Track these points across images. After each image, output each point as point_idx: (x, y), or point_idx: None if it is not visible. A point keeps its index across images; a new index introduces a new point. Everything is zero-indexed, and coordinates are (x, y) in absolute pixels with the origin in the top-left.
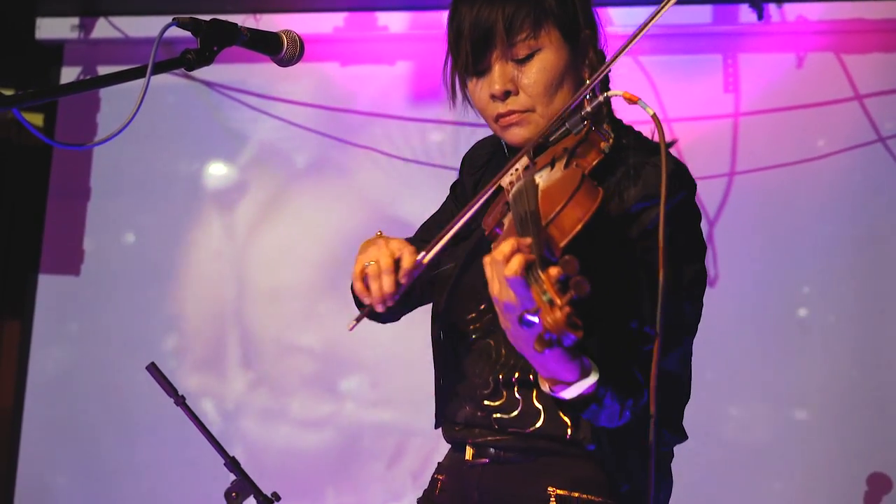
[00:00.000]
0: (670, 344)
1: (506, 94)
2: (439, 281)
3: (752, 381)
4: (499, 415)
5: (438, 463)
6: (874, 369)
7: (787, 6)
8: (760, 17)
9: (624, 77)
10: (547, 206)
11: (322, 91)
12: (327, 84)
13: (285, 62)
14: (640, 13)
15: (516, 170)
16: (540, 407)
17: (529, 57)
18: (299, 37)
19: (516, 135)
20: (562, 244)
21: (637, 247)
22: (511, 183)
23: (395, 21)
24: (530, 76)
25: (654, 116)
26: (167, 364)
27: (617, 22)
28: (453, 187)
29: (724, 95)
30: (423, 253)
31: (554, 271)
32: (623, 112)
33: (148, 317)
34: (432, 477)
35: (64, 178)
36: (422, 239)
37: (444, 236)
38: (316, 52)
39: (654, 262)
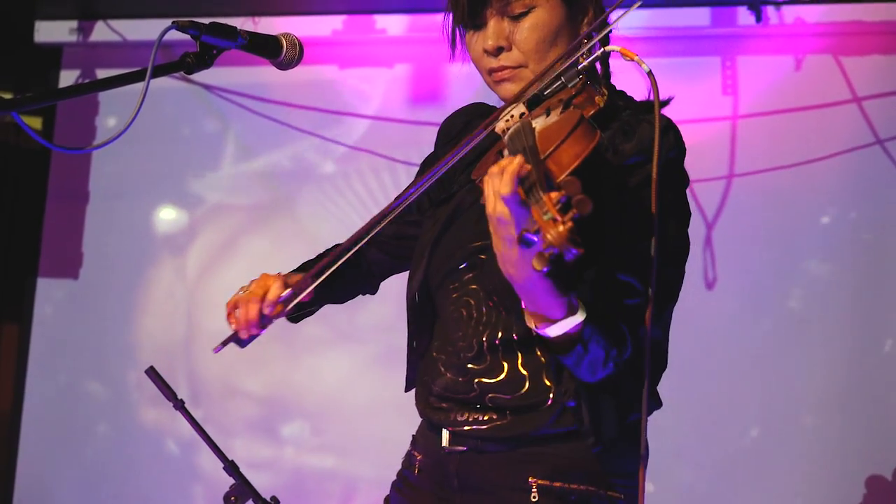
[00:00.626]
0: (661, 307)
1: (498, 50)
2: (419, 244)
3: (750, 382)
4: (482, 379)
5: (413, 436)
6: (873, 371)
7: (785, 8)
8: (759, 19)
9: (622, 79)
10: (545, 143)
11: (320, 94)
12: (325, 87)
13: (284, 65)
14: (639, 16)
15: (511, 116)
16: (525, 373)
17: (524, 14)
18: (298, 40)
19: (508, 90)
20: (560, 178)
21: (629, 200)
22: (504, 129)
23: (393, 24)
24: (523, 33)
25: (650, 73)
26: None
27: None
28: (426, 160)
29: (723, 98)
30: (287, 292)
31: (555, 194)
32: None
33: (147, 320)
34: (408, 452)
35: (63, 182)
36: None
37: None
38: (314, 54)
39: (646, 216)
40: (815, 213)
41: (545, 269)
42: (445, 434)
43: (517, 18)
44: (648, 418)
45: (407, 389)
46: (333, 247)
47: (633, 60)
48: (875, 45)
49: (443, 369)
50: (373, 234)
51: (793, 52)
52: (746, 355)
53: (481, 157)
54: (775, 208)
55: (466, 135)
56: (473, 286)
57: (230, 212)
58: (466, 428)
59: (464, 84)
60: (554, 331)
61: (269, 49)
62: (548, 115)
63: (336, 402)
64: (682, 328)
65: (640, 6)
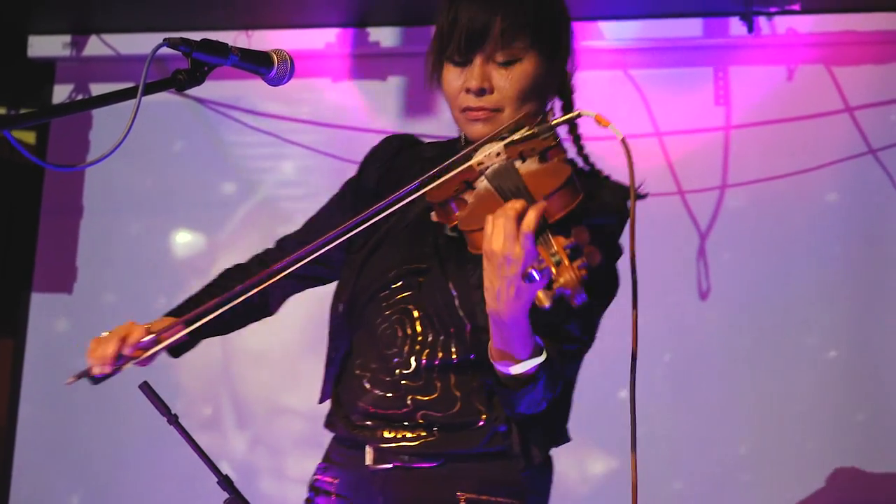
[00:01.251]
0: (584, 352)
1: (481, 91)
2: (348, 262)
3: (744, 392)
4: (416, 396)
5: (325, 460)
6: (869, 382)
7: (777, 19)
8: (751, 29)
9: (615, 90)
10: (535, 188)
11: (313, 107)
12: (319, 100)
13: (275, 81)
14: (631, 27)
15: (488, 154)
16: (458, 394)
17: (510, 63)
18: (289, 56)
19: (479, 130)
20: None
21: None
22: (480, 163)
23: (386, 36)
24: (507, 80)
25: (623, 141)
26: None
27: (608, 36)
28: (349, 183)
29: (715, 108)
30: (150, 337)
31: (562, 238)
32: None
33: None
34: (316, 479)
35: (56, 196)
36: (301, 241)
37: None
38: (308, 67)
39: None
40: (808, 222)
41: (547, 307)
42: (369, 451)
43: (503, 65)
44: (552, 451)
45: (321, 401)
46: (219, 278)
47: (606, 127)
48: (867, 55)
49: (368, 386)
50: (275, 279)
51: (785, 63)
52: (740, 365)
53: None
54: (768, 218)
55: (396, 172)
56: (409, 306)
57: (224, 225)
58: (394, 445)
59: None
60: (516, 369)
61: (260, 65)
62: (523, 160)
63: None
64: (677, 338)
65: (633, 17)
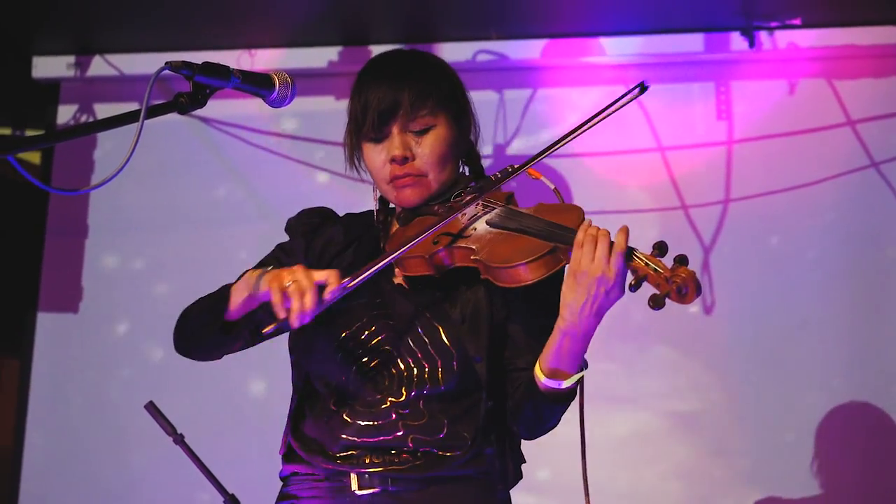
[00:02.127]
0: None
1: (404, 160)
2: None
3: (748, 406)
4: (408, 422)
5: (283, 498)
6: (873, 394)
7: (778, 33)
8: (752, 44)
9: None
10: (565, 222)
11: (317, 125)
12: (322, 118)
13: (276, 103)
14: (633, 42)
15: (466, 214)
16: (445, 420)
17: (425, 130)
18: (291, 77)
19: (409, 195)
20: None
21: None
22: (464, 214)
23: None
24: (426, 146)
25: (556, 191)
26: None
27: (610, 52)
28: (281, 246)
29: (718, 123)
30: (348, 279)
31: (641, 252)
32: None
33: (147, 353)
34: None
35: (62, 216)
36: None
37: (373, 267)
38: (311, 86)
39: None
40: (811, 236)
41: (657, 309)
42: (354, 478)
43: (419, 134)
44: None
45: (283, 451)
46: None
47: (539, 180)
48: (868, 68)
49: (349, 419)
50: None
51: (787, 77)
52: (745, 378)
53: (362, 245)
54: (771, 232)
55: (319, 241)
56: (387, 347)
57: (229, 243)
58: (380, 469)
59: None
60: (567, 383)
61: (262, 87)
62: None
63: None
64: (682, 352)
65: (635, 33)
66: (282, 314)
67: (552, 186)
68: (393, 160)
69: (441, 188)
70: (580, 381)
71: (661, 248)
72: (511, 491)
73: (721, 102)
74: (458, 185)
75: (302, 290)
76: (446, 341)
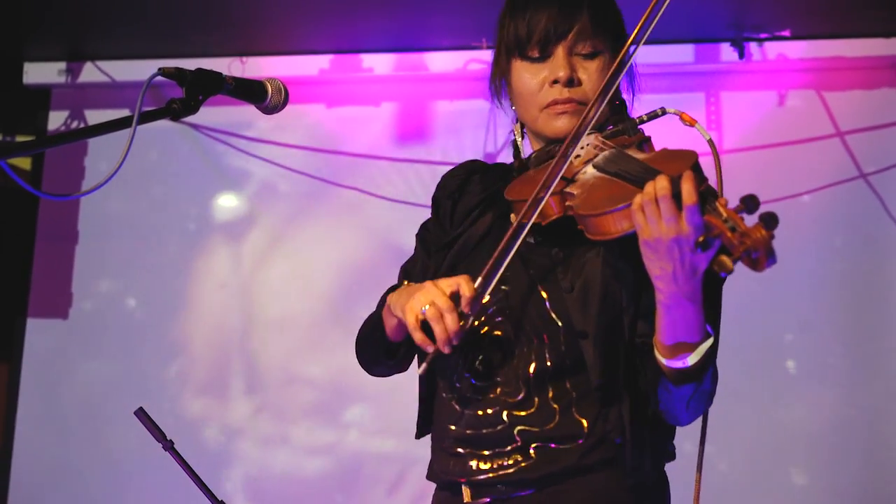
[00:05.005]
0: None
1: (570, 82)
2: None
3: (738, 417)
4: (513, 412)
5: None
6: (862, 408)
7: (767, 45)
8: (742, 55)
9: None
10: (664, 168)
11: (308, 133)
12: (313, 126)
13: (270, 110)
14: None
15: (587, 145)
16: (556, 407)
17: (593, 55)
18: (283, 85)
19: (566, 123)
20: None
21: None
22: (577, 156)
23: (379, 63)
24: (592, 73)
25: (710, 142)
26: (169, 390)
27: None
28: (425, 226)
29: (707, 133)
30: (479, 279)
31: (723, 200)
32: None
33: (137, 360)
34: None
35: (51, 222)
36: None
37: (501, 260)
38: (302, 94)
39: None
40: (799, 246)
41: (731, 272)
42: (466, 490)
43: (587, 57)
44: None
45: (418, 436)
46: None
47: (693, 126)
48: (857, 80)
49: (458, 407)
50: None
51: (776, 88)
52: (736, 387)
53: (498, 197)
54: None
55: (470, 197)
56: (498, 318)
57: (219, 250)
58: (491, 475)
59: (449, 122)
60: (693, 357)
61: (255, 94)
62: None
63: (397, 386)
64: None
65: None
66: (429, 349)
67: (707, 136)
68: (556, 81)
69: (598, 122)
70: (711, 352)
71: (749, 203)
72: None
73: (711, 113)
74: (607, 121)
75: (440, 313)
76: (552, 313)
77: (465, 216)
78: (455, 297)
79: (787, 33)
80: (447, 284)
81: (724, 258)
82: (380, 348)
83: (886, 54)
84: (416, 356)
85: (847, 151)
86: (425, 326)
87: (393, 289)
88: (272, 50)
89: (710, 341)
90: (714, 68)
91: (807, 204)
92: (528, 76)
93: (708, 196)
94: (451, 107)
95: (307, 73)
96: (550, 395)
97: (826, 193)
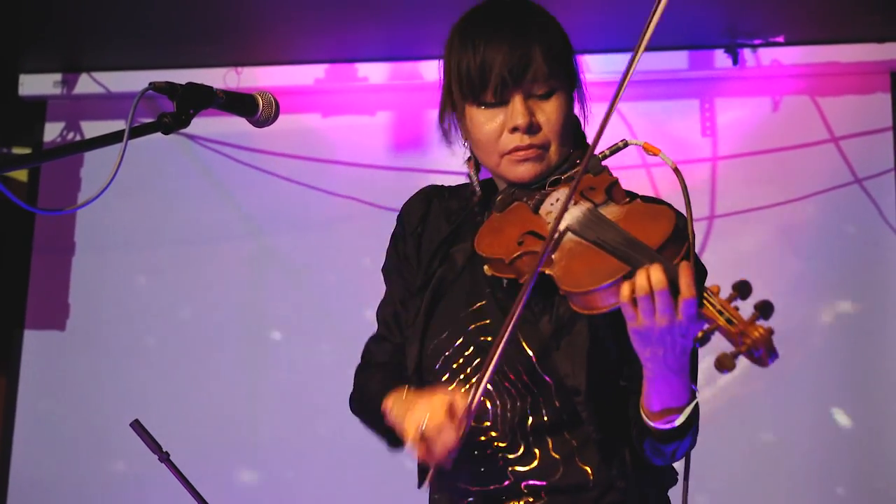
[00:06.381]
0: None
1: (530, 128)
2: (408, 332)
3: (731, 427)
4: (516, 467)
5: None
6: (860, 411)
7: (762, 51)
8: (736, 61)
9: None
10: (644, 236)
11: (304, 142)
12: (309, 135)
13: (261, 123)
14: (619, 60)
15: (557, 200)
16: (557, 457)
17: (549, 95)
18: (274, 98)
19: (528, 170)
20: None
21: None
22: (548, 212)
23: (374, 72)
24: (550, 114)
25: (676, 169)
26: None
27: (594, 69)
28: (387, 270)
29: (702, 139)
30: (472, 391)
31: (715, 289)
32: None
33: (134, 371)
34: None
35: (48, 233)
36: (390, 339)
37: (489, 363)
38: (297, 103)
39: None
40: (795, 252)
41: (723, 372)
42: None
43: (542, 98)
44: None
45: (419, 485)
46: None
47: (656, 156)
48: (851, 85)
49: (462, 462)
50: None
51: (770, 94)
52: (731, 397)
53: (463, 231)
54: (756, 248)
55: (429, 235)
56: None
57: (216, 261)
58: None
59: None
60: (681, 419)
61: (246, 108)
62: (596, 205)
63: None
64: None
65: (619, 51)
66: (432, 462)
67: (671, 164)
68: (516, 129)
69: (560, 161)
70: (696, 409)
71: (742, 290)
72: None
73: (705, 119)
74: (569, 159)
75: (438, 431)
76: (539, 370)
77: (432, 254)
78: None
79: (780, 39)
80: (442, 401)
81: (726, 357)
82: (387, 435)
83: (880, 59)
84: None
85: (842, 157)
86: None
87: (375, 339)
88: (267, 60)
89: (695, 401)
90: (708, 75)
91: (802, 210)
92: (485, 121)
93: (700, 284)
94: None
95: (302, 83)
96: (550, 445)
97: (821, 199)
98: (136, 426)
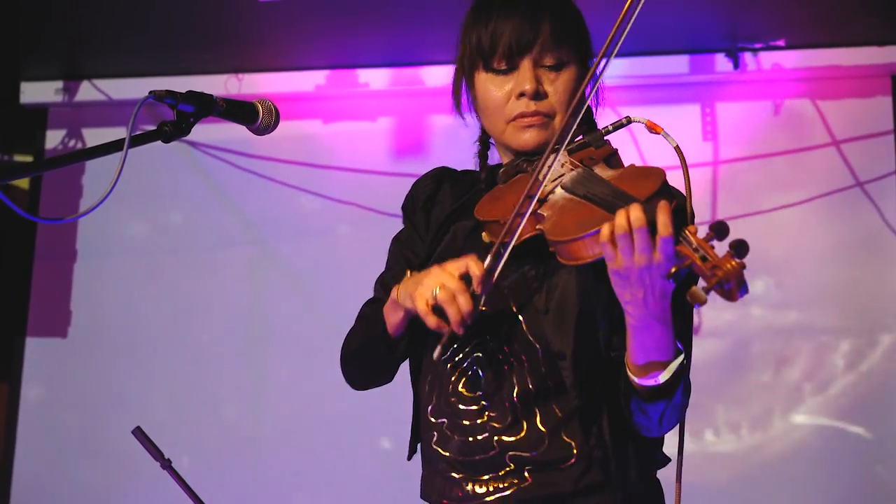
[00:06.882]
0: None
1: (536, 95)
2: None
3: (730, 432)
4: (502, 437)
5: None
6: (861, 418)
7: (762, 55)
8: (737, 65)
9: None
10: (633, 190)
11: (305, 148)
12: (310, 141)
13: (261, 131)
14: (619, 64)
15: (549, 165)
16: (544, 430)
17: (558, 66)
18: (274, 105)
19: (533, 136)
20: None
21: None
22: (544, 175)
23: (375, 78)
24: (558, 84)
25: (677, 148)
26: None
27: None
28: (398, 238)
29: (703, 143)
30: (487, 258)
31: (693, 228)
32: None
33: (136, 378)
34: None
35: (50, 241)
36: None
37: (508, 243)
38: (298, 110)
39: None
40: (797, 255)
41: (705, 303)
42: None
43: (552, 69)
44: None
45: (409, 457)
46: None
47: (659, 134)
48: (851, 88)
49: (449, 433)
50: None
51: (771, 98)
52: (731, 400)
53: (467, 207)
54: (757, 251)
55: (444, 205)
56: (477, 340)
57: (218, 267)
58: (489, 499)
59: (445, 136)
60: (665, 375)
61: (246, 116)
62: (592, 169)
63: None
64: None
65: (620, 55)
66: (444, 329)
67: (674, 143)
68: (522, 94)
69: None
70: (682, 368)
71: (719, 230)
72: None
73: (706, 123)
74: (574, 133)
75: (451, 295)
76: (529, 335)
77: (438, 227)
78: (465, 277)
79: (781, 43)
80: (455, 267)
81: (697, 290)
82: (381, 346)
83: (881, 63)
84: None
85: (843, 160)
86: (437, 311)
87: (372, 301)
88: (268, 66)
89: (680, 358)
90: (709, 79)
91: (803, 213)
92: (494, 88)
93: (678, 223)
94: (447, 121)
95: (303, 89)
96: (538, 418)
97: (822, 202)
98: (138, 433)
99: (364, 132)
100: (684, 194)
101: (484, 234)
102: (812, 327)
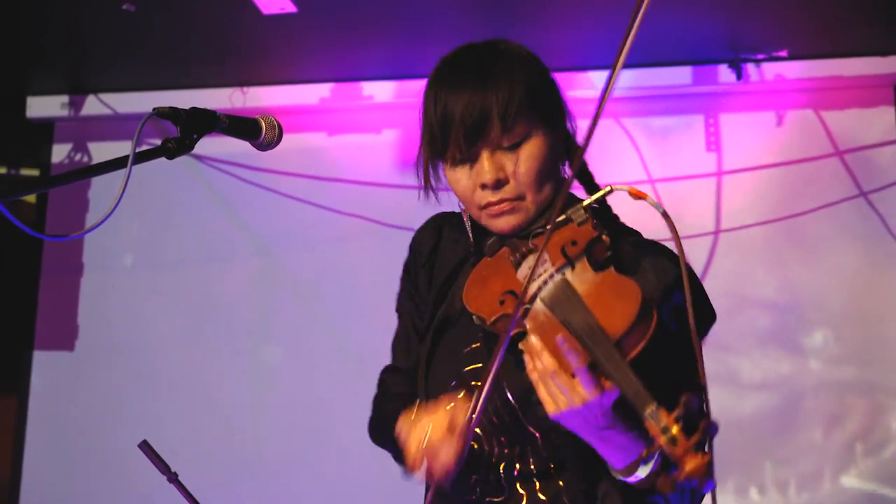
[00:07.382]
0: None
1: (498, 183)
2: (418, 374)
3: (737, 439)
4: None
5: None
6: (866, 429)
7: (765, 65)
8: (739, 76)
9: (607, 139)
10: (608, 323)
11: (310, 161)
12: (315, 154)
13: (264, 147)
14: (622, 76)
15: (529, 264)
16: (544, 498)
17: (518, 144)
18: (277, 121)
19: (506, 223)
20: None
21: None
22: (526, 277)
23: (380, 90)
24: (521, 164)
25: (665, 214)
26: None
27: (599, 86)
28: (402, 300)
29: (707, 154)
30: (470, 411)
31: (665, 412)
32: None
33: (142, 391)
34: None
35: (57, 254)
36: (404, 370)
37: (481, 395)
38: (303, 123)
39: (689, 356)
40: (801, 266)
41: (670, 494)
42: None
43: (512, 149)
44: None
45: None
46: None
47: (643, 200)
48: (854, 98)
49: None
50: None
51: (774, 108)
52: (732, 416)
53: (457, 274)
54: (762, 262)
55: (440, 269)
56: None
57: (224, 280)
58: None
59: None
60: (644, 469)
61: (249, 131)
62: (573, 268)
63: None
64: None
65: (623, 67)
66: (431, 482)
67: (660, 210)
68: (483, 186)
69: (541, 208)
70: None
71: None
72: None
73: (710, 134)
74: (552, 205)
75: (433, 453)
76: (524, 422)
77: (438, 291)
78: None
79: (784, 53)
80: (437, 420)
81: (662, 483)
82: (400, 462)
83: (884, 73)
84: None
85: (847, 170)
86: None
87: (390, 370)
88: (273, 80)
89: (654, 454)
90: (712, 90)
91: (807, 223)
92: (457, 178)
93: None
94: None
95: (308, 102)
96: (538, 487)
97: (826, 213)
98: (145, 447)
99: (369, 144)
100: (674, 271)
101: (474, 316)
102: (814, 338)
